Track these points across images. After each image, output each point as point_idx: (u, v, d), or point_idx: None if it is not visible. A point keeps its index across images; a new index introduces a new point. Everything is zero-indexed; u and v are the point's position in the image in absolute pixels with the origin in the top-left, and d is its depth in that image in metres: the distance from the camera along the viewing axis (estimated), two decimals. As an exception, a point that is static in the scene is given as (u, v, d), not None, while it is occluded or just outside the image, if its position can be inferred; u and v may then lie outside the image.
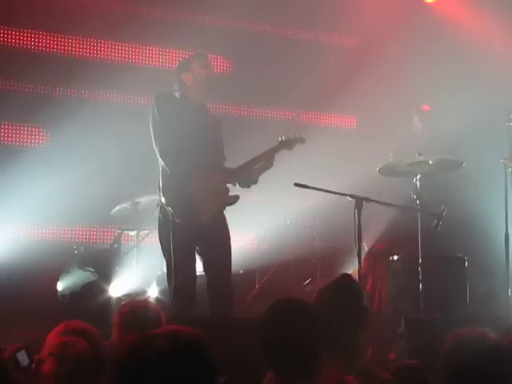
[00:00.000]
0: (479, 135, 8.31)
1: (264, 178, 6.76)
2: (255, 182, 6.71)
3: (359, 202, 6.36)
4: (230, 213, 6.63)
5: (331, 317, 3.97)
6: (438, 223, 6.84)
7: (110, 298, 7.52)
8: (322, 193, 6.65)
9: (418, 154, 7.01)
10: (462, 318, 6.36)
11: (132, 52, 9.73)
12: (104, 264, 7.95)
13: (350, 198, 6.41)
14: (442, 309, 6.82)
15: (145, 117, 6.56)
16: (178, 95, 6.60)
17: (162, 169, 6.39)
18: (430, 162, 7.04)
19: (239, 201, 6.57)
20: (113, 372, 2.60)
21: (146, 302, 5.27)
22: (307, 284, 8.65)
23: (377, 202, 6.61)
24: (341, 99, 9.62)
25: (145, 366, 2.47)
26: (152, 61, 9.77)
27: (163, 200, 6.32)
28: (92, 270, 7.83)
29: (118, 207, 8.26)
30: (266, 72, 9.92)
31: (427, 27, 9.87)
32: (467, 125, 8.04)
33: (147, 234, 8.19)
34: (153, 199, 7.74)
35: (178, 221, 6.25)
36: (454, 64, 9.42)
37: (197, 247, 6.43)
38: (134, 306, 4.72)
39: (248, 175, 6.66)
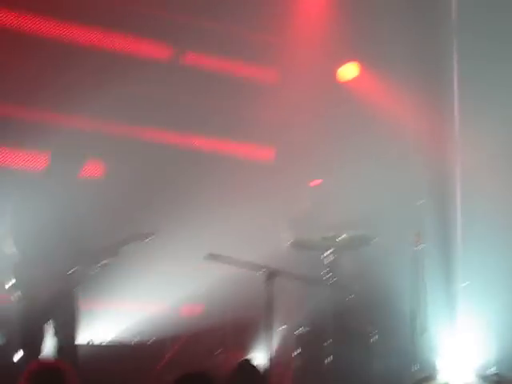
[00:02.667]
0: (391, 212, 8.50)
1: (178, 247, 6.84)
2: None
3: (271, 274, 6.43)
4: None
5: None
6: (348, 297, 6.94)
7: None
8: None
9: (330, 228, 7.13)
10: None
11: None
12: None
13: (261, 271, 6.48)
14: (348, 383, 6.87)
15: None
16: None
17: None
18: (343, 235, 7.15)
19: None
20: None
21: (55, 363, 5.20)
22: (218, 354, 8.62)
23: (288, 275, 6.68)
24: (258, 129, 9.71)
25: None
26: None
27: None
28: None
29: None
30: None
31: (344, 104, 10.12)
32: (380, 201, 8.23)
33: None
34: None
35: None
36: (366, 140, 9.66)
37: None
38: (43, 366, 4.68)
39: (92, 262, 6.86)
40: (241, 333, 8.54)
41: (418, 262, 7.31)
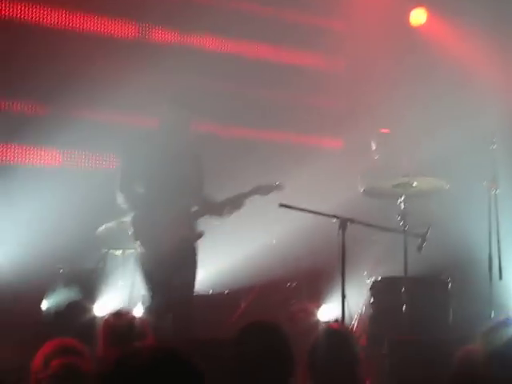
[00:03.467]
0: (463, 159, 8.38)
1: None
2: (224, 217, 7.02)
3: (343, 222, 6.42)
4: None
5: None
6: (422, 245, 6.90)
7: (94, 317, 7.51)
8: (306, 214, 6.71)
9: (403, 176, 7.08)
10: (445, 340, 6.39)
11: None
12: (89, 283, 7.96)
13: (334, 219, 6.47)
14: (425, 330, 6.86)
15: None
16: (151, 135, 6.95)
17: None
18: (415, 183, 7.11)
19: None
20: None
21: (130, 316, 5.30)
22: (292, 304, 8.65)
23: (361, 223, 6.67)
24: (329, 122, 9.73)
25: (127, 379, 2.51)
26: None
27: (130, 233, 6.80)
28: (77, 289, 7.84)
29: (103, 226, 8.27)
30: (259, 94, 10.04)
31: (414, 52, 9.98)
32: (451, 148, 8.12)
33: (133, 254, 8.20)
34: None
35: (142, 251, 6.72)
36: (438, 88, 9.51)
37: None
38: (119, 319, 4.76)
39: (217, 213, 6.95)
40: (314, 283, 8.56)
41: (492, 207, 7.22)
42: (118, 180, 6.83)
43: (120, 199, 6.81)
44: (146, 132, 7.20)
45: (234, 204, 6.92)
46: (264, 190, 6.95)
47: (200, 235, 6.85)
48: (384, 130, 8.66)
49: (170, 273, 6.68)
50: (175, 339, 6.34)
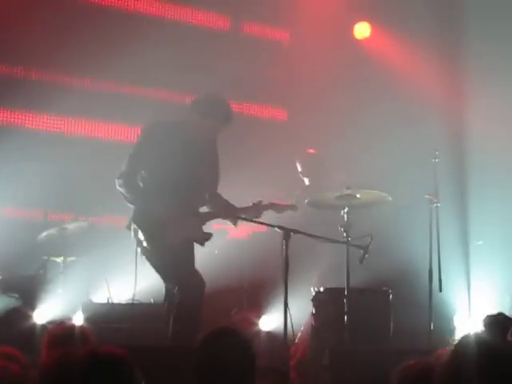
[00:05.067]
0: (406, 172, 8.49)
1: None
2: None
3: (287, 233, 6.44)
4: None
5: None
6: (364, 256, 6.95)
7: (34, 325, 7.43)
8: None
9: (347, 188, 7.14)
10: (386, 351, 6.45)
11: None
12: (29, 290, 7.87)
13: (278, 230, 6.49)
14: (366, 341, 6.91)
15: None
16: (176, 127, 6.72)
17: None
18: (358, 195, 7.17)
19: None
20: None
21: (74, 324, 5.27)
22: (234, 314, 8.65)
23: (304, 233, 6.70)
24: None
25: (65, 379, 2.51)
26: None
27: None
28: (16, 295, 7.74)
29: (45, 233, 8.20)
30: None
31: (356, 64, 10.07)
32: (394, 161, 8.22)
33: (74, 261, 8.15)
34: (80, 226, 7.89)
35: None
36: (381, 102, 9.62)
37: None
38: (64, 327, 4.73)
39: (232, 219, 6.84)
40: (257, 293, 8.57)
41: (433, 220, 7.32)
42: (125, 162, 6.53)
43: (122, 186, 6.50)
44: (173, 122, 6.82)
45: (254, 214, 6.79)
46: (279, 208, 6.94)
47: (207, 237, 6.68)
48: (310, 151, 8.75)
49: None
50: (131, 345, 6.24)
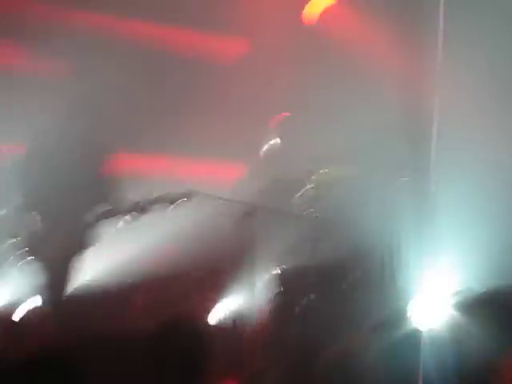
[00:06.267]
0: (373, 146, 8.41)
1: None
2: None
3: (249, 212, 6.35)
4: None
5: None
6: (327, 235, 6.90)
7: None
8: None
9: (313, 162, 7.07)
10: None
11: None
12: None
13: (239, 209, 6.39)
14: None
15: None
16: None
17: None
18: (324, 170, 7.10)
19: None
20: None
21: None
22: (194, 297, 8.52)
23: (266, 212, 6.61)
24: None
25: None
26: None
27: None
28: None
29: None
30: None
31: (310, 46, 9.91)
32: (361, 136, 8.13)
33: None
34: None
35: None
36: (343, 74, 9.50)
37: None
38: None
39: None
40: (217, 275, 8.43)
41: (392, 201, 7.25)
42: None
43: None
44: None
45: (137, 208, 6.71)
46: (168, 199, 6.84)
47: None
48: (285, 113, 8.59)
49: None
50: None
